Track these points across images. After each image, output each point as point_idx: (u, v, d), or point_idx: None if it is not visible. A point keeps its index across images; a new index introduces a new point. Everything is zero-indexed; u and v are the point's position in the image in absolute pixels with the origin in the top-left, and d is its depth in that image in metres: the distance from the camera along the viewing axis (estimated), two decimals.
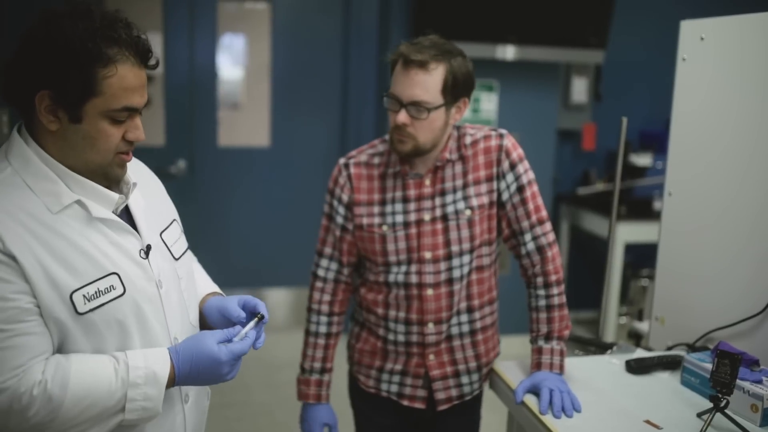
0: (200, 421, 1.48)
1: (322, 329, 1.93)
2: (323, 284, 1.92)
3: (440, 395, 1.89)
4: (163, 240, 1.37)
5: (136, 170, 1.40)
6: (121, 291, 1.23)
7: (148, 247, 1.30)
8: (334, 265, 1.91)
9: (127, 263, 1.25)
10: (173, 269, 1.36)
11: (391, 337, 1.88)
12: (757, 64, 1.78)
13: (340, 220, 1.88)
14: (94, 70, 1.15)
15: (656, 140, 4.66)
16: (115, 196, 1.26)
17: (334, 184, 1.89)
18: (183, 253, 1.42)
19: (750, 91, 1.80)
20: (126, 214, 1.31)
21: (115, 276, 1.22)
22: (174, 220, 1.45)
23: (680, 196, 2.04)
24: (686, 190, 2.02)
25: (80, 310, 1.18)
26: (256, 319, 1.35)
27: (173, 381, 1.25)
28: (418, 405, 1.90)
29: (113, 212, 1.27)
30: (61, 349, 1.21)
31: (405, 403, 1.90)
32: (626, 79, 4.89)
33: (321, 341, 1.93)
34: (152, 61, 1.24)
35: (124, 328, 1.24)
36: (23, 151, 1.21)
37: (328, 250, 1.91)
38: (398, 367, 1.89)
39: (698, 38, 1.95)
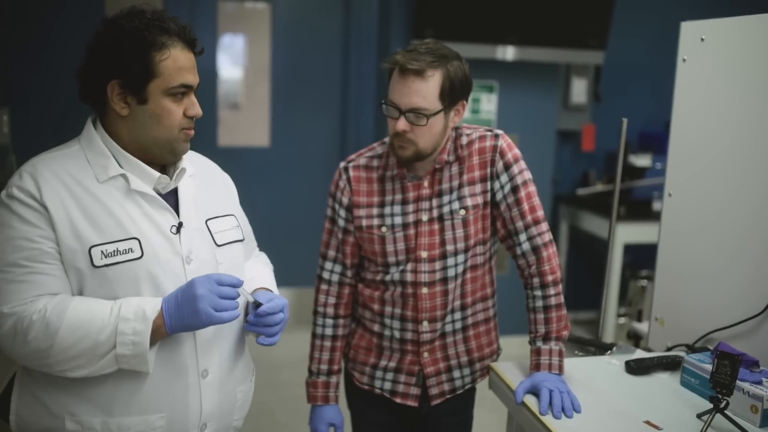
0: (227, 404, 1.50)
1: (328, 332, 1.95)
2: (328, 287, 1.94)
3: (434, 390, 1.91)
4: (207, 226, 1.49)
5: (206, 168, 1.61)
6: (139, 255, 1.36)
7: (180, 224, 1.42)
8: (338, 268, 1.93)
9: (154, 234, 1.39)
10: (212, 254, 1.48)
11: (387, 333, 1.89)
12: (758, 65, 1.78)
13: (342, 223, 1.89)
14: (151, 55, 1.34)
15: (656, 141, 4.66)
16: (155, 174, 1.42)
17: (335, 188, 1.91)
18: (228, 243, 1.53)
19: (750, 92, 1.80)
20: (174, 197, 1.46)
21: (136, 241, 1.36)
22: (232, 215, 1.58)
23: (680, 197, 2.04)
24: (686, 190, 2.02)
25: (96, 263, 1.33)
26: (253, 301, 1.46)
27: (162, 319, 1.33)
28: (411, 402, 1.91)
29: (155, 190, 1.42)
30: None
31: (398, 400, 1.92)
32: (626, 80, 4.89)
33: (327, 343, 1.95)
34: (198, 48, 1.43)
35: (137, 290, 1.36)
36: (91, 134, 1.43)
37: (331, 253, 1.93)
38: (392, 364, 1.90)
39: (698, 39, 1.95)
